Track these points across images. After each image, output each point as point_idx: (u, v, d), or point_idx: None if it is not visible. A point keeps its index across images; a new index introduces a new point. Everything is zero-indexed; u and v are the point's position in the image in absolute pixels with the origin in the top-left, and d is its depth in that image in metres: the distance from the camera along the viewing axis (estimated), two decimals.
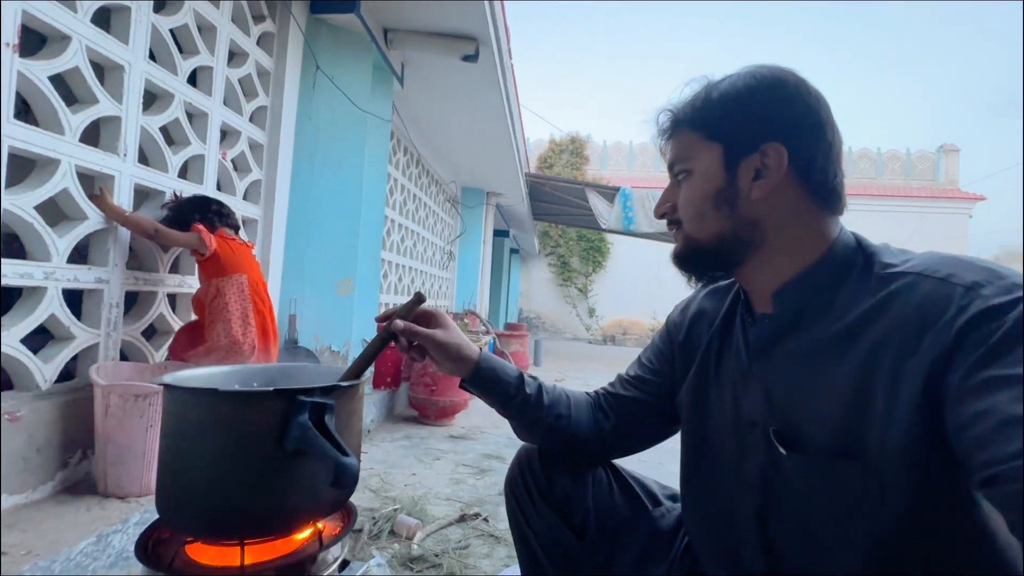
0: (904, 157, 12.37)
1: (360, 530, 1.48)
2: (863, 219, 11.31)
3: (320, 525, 0.76)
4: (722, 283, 0.71)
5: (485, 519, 1.67)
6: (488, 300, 7.41)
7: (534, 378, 0.77)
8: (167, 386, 0.66)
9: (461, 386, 0.76)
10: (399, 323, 0.70)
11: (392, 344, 0.72)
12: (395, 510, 1.63)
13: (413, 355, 0.72)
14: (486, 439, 2.78)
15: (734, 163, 0.57)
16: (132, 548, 1.16)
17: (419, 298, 0.73)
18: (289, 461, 0.63)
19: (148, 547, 0.68)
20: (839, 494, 0.52)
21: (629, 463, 0.84)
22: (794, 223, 0.56)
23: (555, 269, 12.90)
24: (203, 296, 1.52)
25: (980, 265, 0.48)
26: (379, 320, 0.73)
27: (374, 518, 1.58)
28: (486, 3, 2.31)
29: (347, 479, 0.55)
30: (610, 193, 5.29)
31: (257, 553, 0.68)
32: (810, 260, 0.56)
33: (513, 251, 10.93)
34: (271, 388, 0.63)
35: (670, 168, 0.64)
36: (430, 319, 0.73)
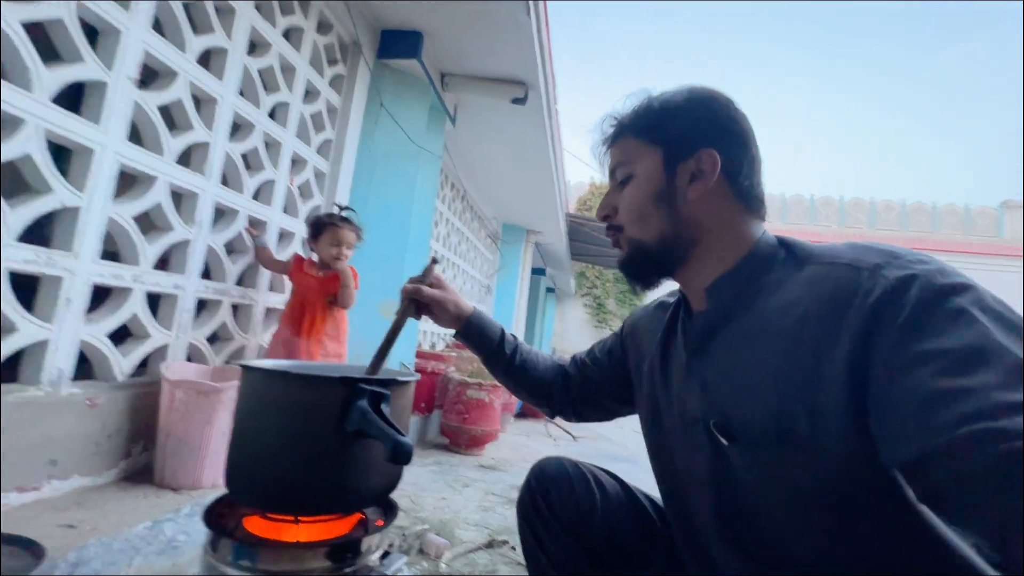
0: (962, 212, 11.85)
1: (391, 543, 1.50)
2: None
3: (365, 515, 0.80)
4: (669, 299, 0.76)
5: (513, 547, 1.65)
6: (523, 336, 7.43)
7: (514, 337, 0.91)
8: (245, 367, 0.73)
9: (455, 336, 0.90)
10: (408, 285, 0.83)
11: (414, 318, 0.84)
12: (424, 529, 1.64)
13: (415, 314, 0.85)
14: (516, 471, 2.75)
15: (673, 166, 0.62)
16: (182, 536, 1.22)
17: (434, 260, 0.86)
18: (347, 445, 0.68)
19: (212, 516, 0.74)
20: (782, 481, 0.53)
21: (638, 474, 0.85)
22: (724, 224, 0.61)
23: (591, 310, 12.82)
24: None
25: (879, 248, 0.51)
26: (405, 287, 0.85)
27: (404, 535, 1.59)
28: (537, 50, 2.47)
29: (403, 455, 0.60)
30: None
31: (309, 532, 0.73)
32: (738, 257, 0.60)
33: (549, 290, 10.97)
34: (336, 376, 0.69)
35: (612, 173, 0.69)
36: (434, 283, 0.86)
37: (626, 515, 0.78)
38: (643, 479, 0.83)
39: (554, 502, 0.77)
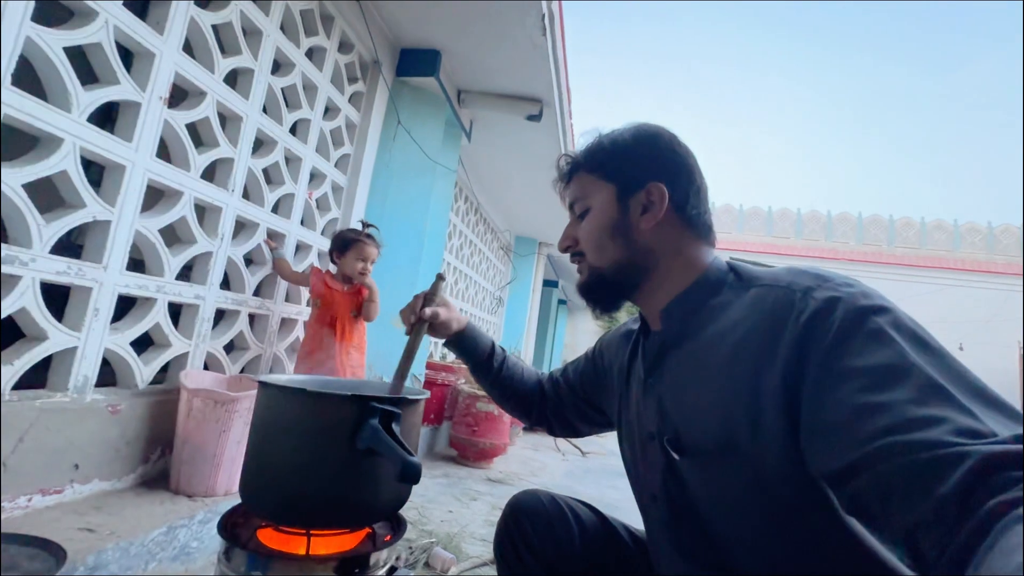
0: (985, 231, 11.61)
1: (399, 557, 1.51)
2: (939, 293, 10.55)
3: (373, 530, 0.82)
4: (634, 324, 0.79)
5: None
6: (533, 348, 7.42)
7: (503, 350, 0.96)
8: (262, 383, 0.76)
9: (445, 344, 0.94)
10: (426, 309, 0.87)
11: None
12: (431, 543, 1.65)
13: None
14: (523, 486, 2.75)
15: (625, 199, 0.67)
16: (195, 543, 1.25)
17: (440, 278, 0.90)
18: (358, 461, 0.70)
19: (228, 527, 0.76)
20: (727, 489, 0.56)
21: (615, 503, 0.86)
22: (676, 251, 0.66)
23: (602, 323, 12.77)
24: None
25: (813, 272, 0.55)
26: (415, 304, 0.89)
27: (411, 548, 1.60)
28: (552, 68, 2.51)
29: (411, 475, 0.62)
30: None
31: (319, 545, 0.75)
32: (689, 281, 0.64)
33: (561, 302, 10.96)
34: (349, 393, 0.72)
35: (571, 207, 0.74)
36: (439, 300, 0.91)
37: (604, 549, 0.78)
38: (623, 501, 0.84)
39: (532, 539, 0.77)
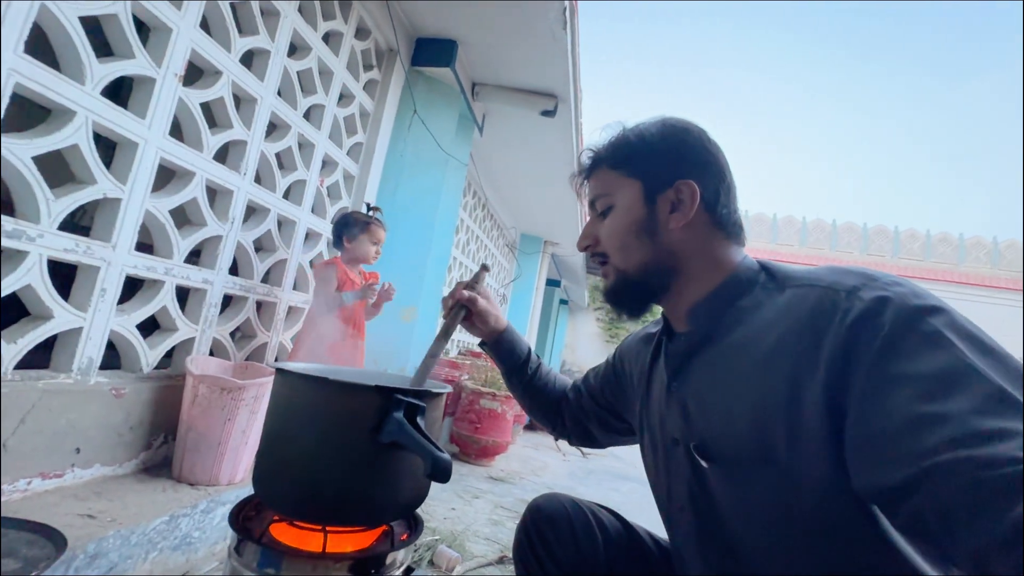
0: (990, 245, 11.58)
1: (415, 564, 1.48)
2: None
3: (391, 527, 0.78)
4: (654, 328, 0.76)
5: None
6: (534, 346, 7.40)
7: (538, 357, 0.93)
8: (279, 370, 0.73)
9: (481, 346, 0.93)
10: (464, 292, 0.84)
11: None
12: (436, 540, 1.62)
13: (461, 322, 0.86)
14: (525, 485, 2.72)
15: (652, 197, 0.63)
16: (197, 532, 1.22)
17: (484, 268, 0.87)
18: (379, 455, 0.67)
19: (239, 519, 0.73)
20: (759, 501, 0.52)
21: (647, 494, 0.84)
22: (705, 251, 0.62)
23: (603, 324, 12.74)
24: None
25: (856, 271, 0.52)
26: (452, 296, 0.85)
27: (415, 546, 1.57)
28: (569, 64, 2.47)
29: (442, 472, 0.58)
30: None
31: (334, 543, 0.72)
32: (718, 281, 0.61)
33: (563, 302, 10.93)
34: (373, 384, 0.68)
35: (592, 204, 0.70)
36: (482, 292, 0.89)
37: (627, 556, 0.75)
38: (651, 500, 0.81)
39: (553, 546, 0.74)
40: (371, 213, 1.88)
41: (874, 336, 0.45)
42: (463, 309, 0.84)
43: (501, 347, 0.90)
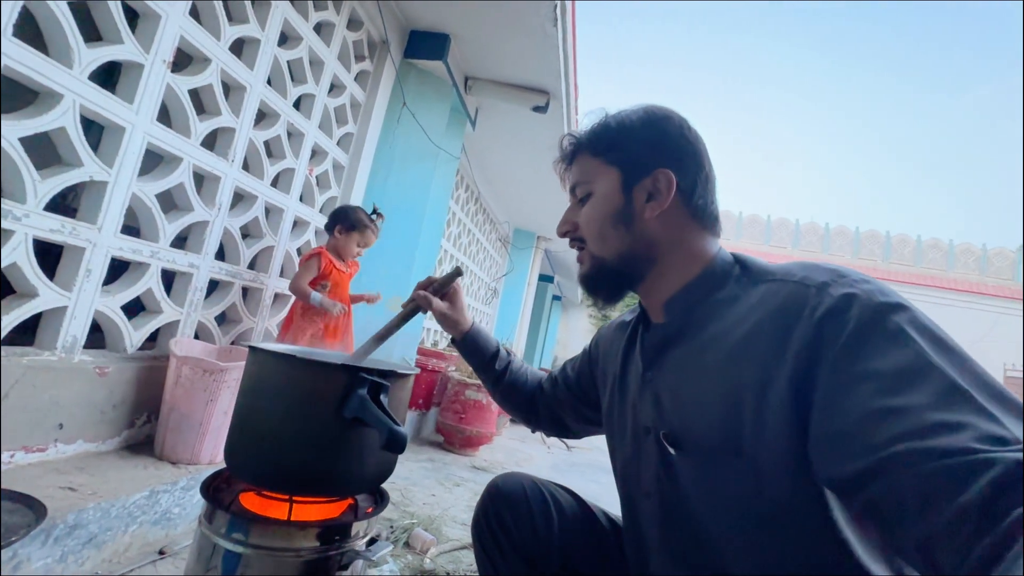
0: (979, 252, 11.71)
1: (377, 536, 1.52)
2: (930, 311, 10.66)
3: (356, 500, 0.82)
4: (629, 316, 0.78)
5: None
6: (525, 341, 7.44)
7: (508, 353, 0.95)
8: (252, 348, 0.76)
9: (451, 343, 0.96)
10: (421, 292, 0.89)
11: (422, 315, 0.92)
12: (412, 523, 1.66)
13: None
14: None
15: (630, 186, 0.64)
16: (177, 508, 1.25)
17: (457, 272, 0.89)
18: (344, 431, 0.71)
19: (210, 489, 0.77)
20: (723, 489, 0.54)
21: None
22: (681, 241, 0.63)
23: (595, 321, 12.80)
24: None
25: (827, 267, 0.53)
26: (419, 287, 0.90)
27: (392, 527, 1.61)
28: (560, 60, 2.50)
29: (397, 444, 0.62)
30: None
31: (301, 512, 0.76)
32: (694, 273, 0.62)
33: (555, 298, 10.97)
34: (339, 362, 0.72)
35: (572, 190, 0.71)
36: (448, 293, 0.92)
37: (582, 537, 0.77)
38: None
39: (509, 525, 0.75)
40: (374, 216, 1.90)
41: (840, 331, 0.46)
42: (417, 308, 0.89)
43: (466, 345, 0.93)
